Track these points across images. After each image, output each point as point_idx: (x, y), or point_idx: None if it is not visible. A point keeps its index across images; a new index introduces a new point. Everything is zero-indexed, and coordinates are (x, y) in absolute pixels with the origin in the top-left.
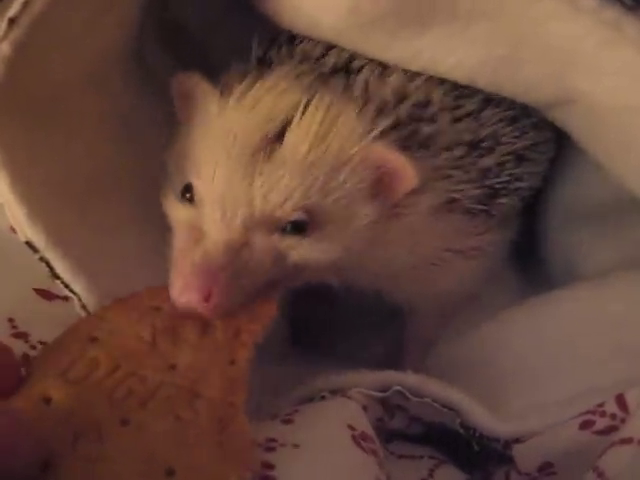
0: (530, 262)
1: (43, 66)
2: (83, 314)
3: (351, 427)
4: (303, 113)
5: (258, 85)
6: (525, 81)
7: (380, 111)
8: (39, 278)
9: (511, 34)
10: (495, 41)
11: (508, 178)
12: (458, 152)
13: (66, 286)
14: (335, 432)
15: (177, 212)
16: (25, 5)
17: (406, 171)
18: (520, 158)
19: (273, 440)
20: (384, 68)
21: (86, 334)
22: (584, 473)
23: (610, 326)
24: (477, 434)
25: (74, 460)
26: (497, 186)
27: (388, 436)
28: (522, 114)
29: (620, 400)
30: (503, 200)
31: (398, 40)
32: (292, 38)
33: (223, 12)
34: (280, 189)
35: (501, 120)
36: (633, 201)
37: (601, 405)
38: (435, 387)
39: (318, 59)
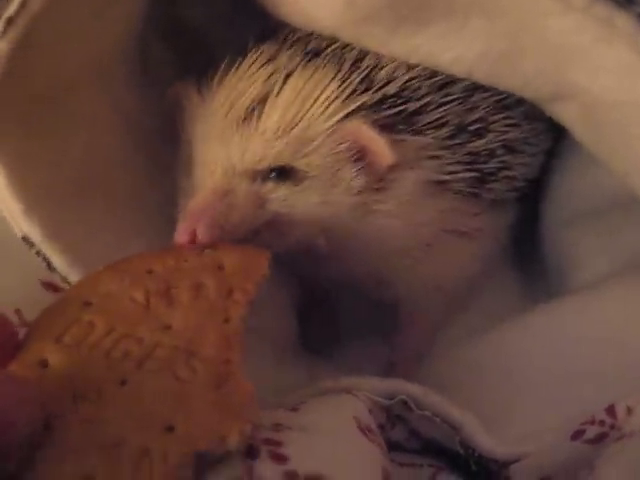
0: (531, 262)
1: (42, 65)
2: None
3: (357, 419)
4: (281, 87)
5: (238, 68)
6: (524, 75)
7: (364, 89)
8: (45, 270)
9: (509, 29)
10: (493, 36)
11: (498, 165)
12: (445, 132)
13: (64, 279)
14: (341, 420)
15: (182, 185)
16: (23, 5)
17: (381, 148)
18: (510, 148)
19: (280, 424)
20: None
21: (80, 299)
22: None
23: (606, 340)
24: (476, 454)
25: (74, 421)
26: (486, 171)
27: (388, 447)
28: (514, 103)
29: (610, 410)
30: (493, 185)
31: (396, 35)
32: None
33: (230, 9)
34: (253, 149)
35: (491, 107)
36: (631, 200)
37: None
38: (439, 402)
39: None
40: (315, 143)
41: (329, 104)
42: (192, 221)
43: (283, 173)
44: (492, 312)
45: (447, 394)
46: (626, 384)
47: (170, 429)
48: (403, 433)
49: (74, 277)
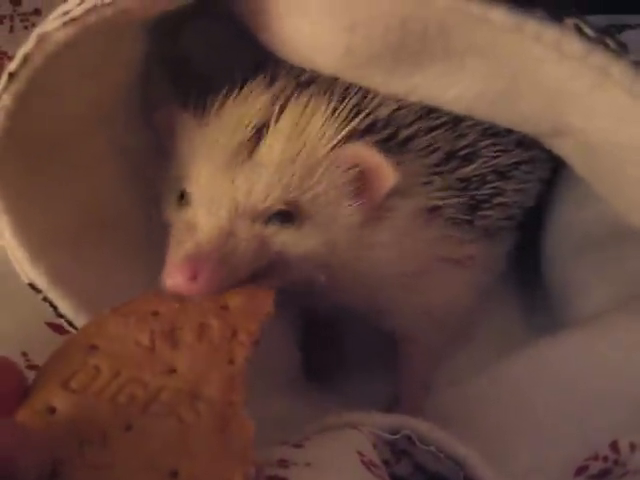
0: (534, 291)
1: (44, 114)
2: None
3: (360, 453)
4: (279, 115)
5: (235, 95)
6: (522, 114)
7: (356, 112)
8: (51, 312)
9: (506, 71)
10: (491, 77)
11: (490, 192)
12: (435, 159)
13: (70, 324)
14: (345, 454)
15: (174, 217)
16: (25, 59)
17: (384, 169)
18: (501, 174)
19: (285, 460)
20: None
21: (86, 343)
22: None
23: (610, 374)
24: None
25: (81, 467)
26: (479, 198)
27: None
28: (504, 131)
29: (614, 446)
30: (487, 212)
31: (395, 77)
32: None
33: (232, 45)
34: (260, 185)
35: (480, 133)
36: (631, 231)
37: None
38: (443, 438)
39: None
40: (318, 172)
41: (327, 130)
42: (193, 263)
43: (284, 216)
44: (495, 342)
45: (451, 428)
46: (630, 418)
47: (174, 474)
48: (408, 468)
49: (81, 322)
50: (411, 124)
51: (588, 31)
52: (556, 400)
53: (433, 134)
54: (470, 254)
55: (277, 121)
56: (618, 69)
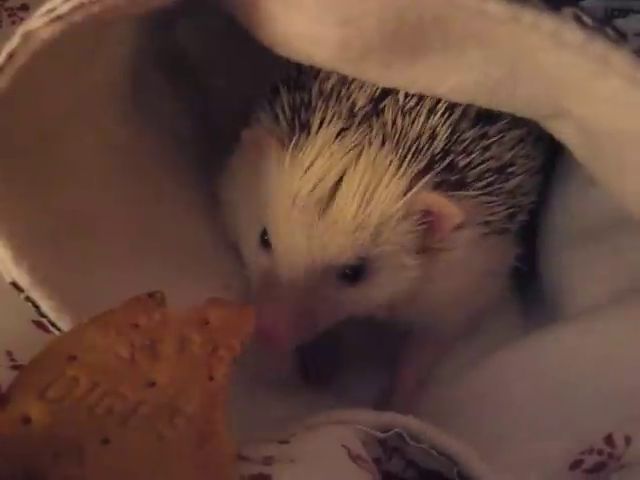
0: (530, 286)
1: (29, 112)
2: None
3: (346, 447)
4: (351, 174)
5: (308, 147)
6: (521, 100)
7: (417, 154)
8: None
9: (505, 59)
10: (490, 65)
11: (524, 197)
12: (489, 179)
13: (52, 324)
14: (331, 449)
15: (257, 258)
16: (10, 57)
17: (451, 211)
18: (531, 176)
19: (270, 457)
20: (410, 108)
21: (64, 353)
22: None
23: (604, 367)
24: None
25: (54, 479)
26: (517, 204)
27: (385, 479)
28: (526, 133)
29: (608, 439)
30: (521, 217)
31: (393, 70)
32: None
33: (228, 41)
34: (335, 244)
35: (517, 141)
36: (630, 222)
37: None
38: (435, 435)
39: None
40: (390, 227)
41: (397, 184)
42: (275, 317)
43: (357, 271)
44: (491, 336)
45: (445, 423)
46: (624, 411)
47: None
48: (400, 465)
49: (63, 322)
50: (466, 149)
51: (587, 20)
52: (550, 394)
53: (486, 155)
54: (506, 261)
55: (350, 176)
56: (618, 57)
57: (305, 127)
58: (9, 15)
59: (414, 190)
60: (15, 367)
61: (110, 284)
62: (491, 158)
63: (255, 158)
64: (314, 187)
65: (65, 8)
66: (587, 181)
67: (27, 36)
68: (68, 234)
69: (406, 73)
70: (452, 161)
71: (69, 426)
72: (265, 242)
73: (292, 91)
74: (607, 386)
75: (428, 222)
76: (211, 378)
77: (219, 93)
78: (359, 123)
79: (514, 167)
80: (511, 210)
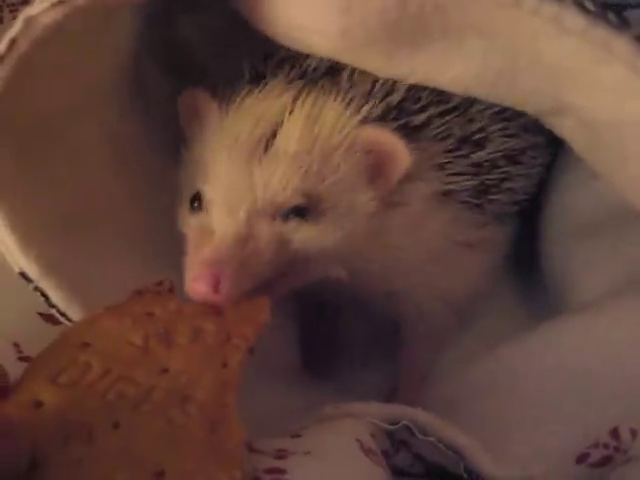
0: (531, 280)
1: (32, 101)
2: None
3: (359, 441)
4: (292, 109)
5: (253, 94)
6: (522, 93)
7: (367, 99)
8: (43, 303)
9: (505, 48)
10: (489, 55)
11: (500, 176)
12: (448, 144)
13: (62, 314)
14: (344, 442)
15: (188, 222)
16: (12, 44)
17: (399, 151)
18: (511, 159)
19: (283, 450)
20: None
21: (78, 339)
22: None
23: (608, 361)
24: (480, 479)
25: (62, 461)
26: (488, 182)
27: (392, 473)
28: (513, 115)
29: (614, 433)
30: (496, 197)
31: (393, 59)
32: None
33: (226, 31)
34: (278, 177)
35: (490, 117)
36: (630, 214)
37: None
38: (442, 428)
39: (305, 63)
40: (334, 159)
41: (339, 117)
42: (213, 270)
43: (303, 210)
44: (494, 328)
45: (450, 416)
46: (630, 404)
47: (160, 474)
48: (407, 459)
49: (72, 312)
50: (423, 110)
51: (588, 5)
52: (555, 387)
53: (445, 119)
54: (481, 237)
55: (291, 113)
56: (620, 44)
57: (252, 81)
58: (11, 11)
59: (357, 119)
60: (22, 359)
61: (117, 274)
62: (452, 124)
63: (191, 122)
64: (254, 126)
65: None
66: (586, 175)
67: (29, 21)
68: (74, 224)
69: (406, 63)
70: (408, 116)
71: (80, 410)
72: (195, 207)
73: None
74: (612, 380)
75: (375, 160)
76: (224, 365)
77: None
78: (310, 78)
79: (482, 140)
80: (480, 185)
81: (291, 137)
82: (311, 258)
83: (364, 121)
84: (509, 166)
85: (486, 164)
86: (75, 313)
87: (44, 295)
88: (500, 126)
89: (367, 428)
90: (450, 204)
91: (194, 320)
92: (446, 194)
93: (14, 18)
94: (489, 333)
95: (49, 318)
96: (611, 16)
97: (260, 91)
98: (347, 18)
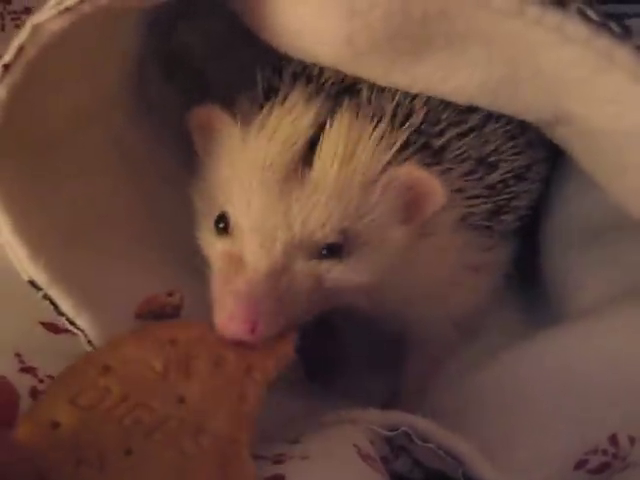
0: (533, 289)
1: (40, 108)
2: (89, 349)
3: (357, 446)
4: (326, 134)
5: (275, 111)
6: (523, 102)
7: (393, 124)
8: (45, 311)
9: (507, 57)
10: (492, 64)
11: (509, 196)
12: (467, 167)
13: (71, 322)
14: (342, 447)
15: (213, 244)
16: (19, 51)
17: (436, 189)
18: (518, 177)
19: (281, 454)
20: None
21: (100, 362)
22: None
23: (607, 369)
24: None
25: None
26: (500, 203)
27: (392, 479)
28: (519, 132)
29: (613, 439)
30: (504, 217)
31: (396, 68)
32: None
33: (228, 40)
34: (318, 213)
35: (502, 136)
36: (630, 223)
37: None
38: (442, 435)
39: (320, 79)
40: (374, 195)
41: (375, 149)
42: (249, 309)
43: (339, 248)
44: (494, 337)
45: (449, 423)
46: (629, 411)
47: None
48: (407, 464)
49: (82, 320)
50: (442, 132)
51: (591, 14)
52: (554, 394)
53: (463, 141)
54: (487, 260)
55: (325, 139)
56: (622, 53)
57: (270, 96)
58: (12, 19)
59: (392, 150)
60: (24, 369)
61: (127, 280)
62: (470, 146)
63: (206, 140)
64: (284, 149)
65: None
66: (586, 183)
67: (36, 28)
68: (83, 231)
69: (409, 71)
70: (428, 139)
71: (95, 434)
72: (220, 229)
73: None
74: (611, 387)
75: (412, 198)
76: (242, 398)
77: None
78: (329, 94)
79: (497, 161)
80: (493, 207)
81: (329, 167)
82: (341, 292)
83: (397, 152)
84: (517, 185)
85: (499, 185)
86: (84, 321)
87: (53, 303)
88: (510, 144)
89: (366, 434)
90: (464, 229)
91: (216, 348)
92: (462, 219)
93: (16, 26)
94: (490, 341)
95: (52, 327)
96: (614, 26)
97: (281, 108)
98: (352, 23)
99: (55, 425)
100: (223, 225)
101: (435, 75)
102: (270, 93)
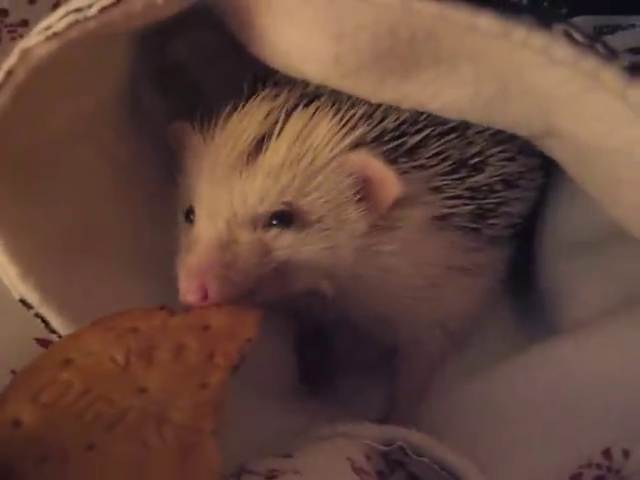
0: (528, 298)
1: (29, 130)
2: None
3: (351, 460)
4: (284, 123)
5: (240, 109)
6: (513, 118)
7: (363, 121)
8: (40, 328)
9: (496, 76)
10: (481, 81)
11: (496, 201)
12: (446, 166)
13: None
14: (335, 461)
15: (183, 234)
16: (8, 74)
17: (388, 178)
18: (508, 183)
19: (274, 470)
20: None
21: (61, 356)
22: None
23: (602, 382)
24: None
25: None
26: (486, 207)
27: None
28: (508, 138)
29: (606, 453)
30: (493, 221)
31: (384, 86)
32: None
33: (221, 53)
34: (256, 189)
35: (488, 140)
36: (621, 233)
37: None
38: (438, 449)
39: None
40: (319, 178)
41: (331, 138)
42: (199, 277)
43: (286, 218)
44: (489, 349)
45: (444, 437)
46: (622, 424)
47: None
48: (402, 479)
49: None
50: (419, 131)
51: (577, 36)
52: (548, 407)
53: (442, 141)
54: (478, 262)
55: (279, 132)
56: (609, 74)
57: (235, 103)
58: (9, 32)
59: (348, 142)
60: None
61: (117, 295)
62: (450, 147)
63: (180, 152)
64: (238, 140)
65: (61, 25)
66: (577, 191)
67: (25, 53)
68: (74, 248)
69: (398, 89)
70: (404, 138)
71: (57, 430)
72: (190, 219)
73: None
74: (605, 400)
75: (366, 184)
76: (204, 386)
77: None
78: (305, 95)
79: (482, 164)
80: (477, 209)
81: (276, 152)
82: (295, 267)
83: (357, 143)
84: (506, 190)
85: (483, 188)
86: None
87: (44, 321)
88: (498, 149)
89: (361, 449)
90: (446, 229)
91: (178, 336)
92: (443, 219)
93: (12, 39)
94: (484, 352)
95: (47, 344)
96: (599, 47)
97: (248, 106)
98: (340, 44)
99: (17, 424)
100: (190, 217)
101: (424, 92)
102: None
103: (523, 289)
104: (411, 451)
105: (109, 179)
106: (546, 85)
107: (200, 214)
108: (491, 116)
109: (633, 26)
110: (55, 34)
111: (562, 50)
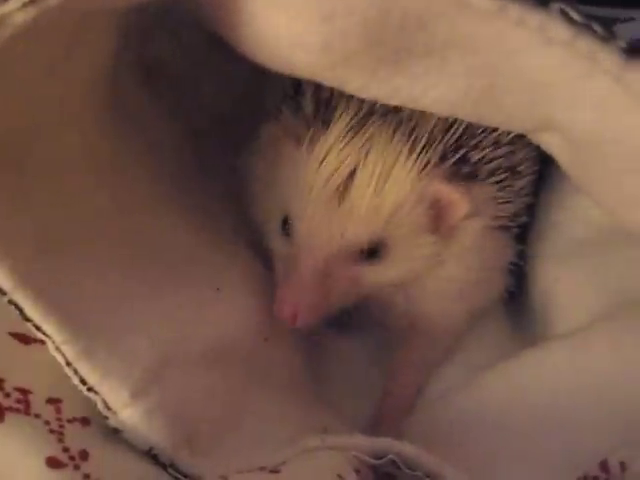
0: (520, 302)
1: (4, 111)
2: (58, 357)
3: (340, 477)
4: (364, 165)
5: (322, 140)
6: (506, 112)
7: (429, 142)
8: (15, 321)
9: (488, 66)
10: (473, 73)
11: (528, 198)
12: (500, 176)
13: (37, 328)
14: (323, 476)
15: (279, 244)
16: None
17: (459, 201)
18: (534, 181)
19: None
20: None
21: None
22: None
23: (595, 391)
24: None
25: None
26: (522, 205)
27: None
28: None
29: (603, 465)
30: (524, 218)
31: (375, 78)
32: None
33: (205, 48)
34: (351, 225)
35: (526, 144)
36: (617, 233)
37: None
38: (430, 462)
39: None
40: (402, 211)
41: (408, 174)
42: (293, 305)
43: (373, 252)
44: (481, 356)
45: (436, 448)
46: (619, 435)
47: None
48: None
49: (48, 326)
50: (477, 145)
51: (574, 15)
52: (541, 418)
53: (496, 152)
54: (508, 260)
55: (364, 164)
56: (606, 55)
57: (324, 123)
58: None
59: (423, 174)
60: None
61: (95, 287)
62: (502, 157)
63: (273, 153)
64: (328, 179)
65: None
66: (572, 192)
67: (1, 20)
68: (49, 236)
69: (389, 83)
70: (465, 154)
71: None
72: (286, 230)
73: (316, 89)
74: (600, 412)
75: (438, 209)
76: None
77: (205, 97)
78: (376, 118)
79: (523, 168)
80: (517, 209)
81: (363, 193)
82: (376, 290)
83: (428, 169)
84: (532, 186)
85: (522, 191)
86: (51, 326)
87: (18, 308)
88: (527, 150)
89: (351, 463)
90: (496, 232)
91: None
92: (495, 223)
93: None
94: (476, 359)
95: (21, 338)
96: (597, 27)
97: (329, 137)
98: (328, 27)
99: None
100: (287, 227)
101: (416, 86)
102: (320, 109)
103: (516, 294)
104: (402, 464)
105: (92, 170)
106: (540, 71)
107: (300, 242)
108: (484, 111)
109: (632, 19)
110: (33, 1)
111: (558, 29)
